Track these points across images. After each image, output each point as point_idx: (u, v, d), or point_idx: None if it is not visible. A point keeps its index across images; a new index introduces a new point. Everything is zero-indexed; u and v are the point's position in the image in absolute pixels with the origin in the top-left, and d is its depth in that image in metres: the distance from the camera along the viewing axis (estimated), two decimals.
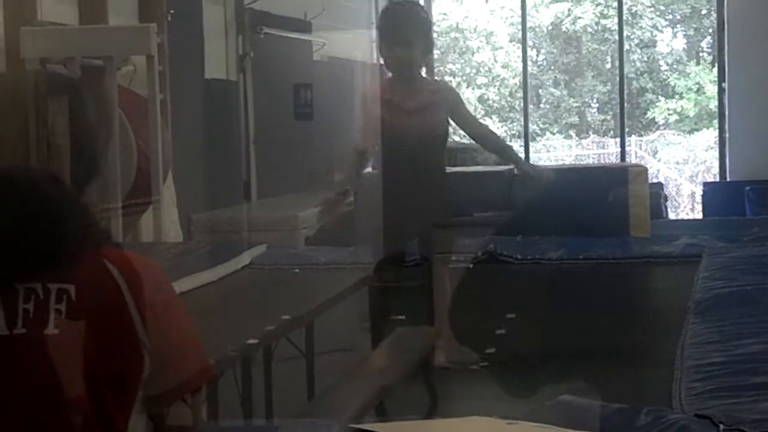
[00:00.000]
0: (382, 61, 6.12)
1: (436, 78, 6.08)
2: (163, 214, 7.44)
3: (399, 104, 5.88)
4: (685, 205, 21.26)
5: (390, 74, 6.07)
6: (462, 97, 6.15)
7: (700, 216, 15.35)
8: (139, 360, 1.81)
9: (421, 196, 5.97)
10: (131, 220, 7.26)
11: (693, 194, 20.89)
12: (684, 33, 24.16)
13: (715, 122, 16.51)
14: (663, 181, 17.44)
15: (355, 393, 4.73)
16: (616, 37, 16.37)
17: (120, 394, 1.79)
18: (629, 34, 21.26)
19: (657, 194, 11.71)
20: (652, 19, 23.23)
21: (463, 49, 23.41)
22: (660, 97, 23.34)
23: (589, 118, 23.89)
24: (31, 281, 1.74)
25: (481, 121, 6.29)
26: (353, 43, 14.32)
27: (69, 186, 1.85)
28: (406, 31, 5.82)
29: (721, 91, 14.93)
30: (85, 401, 1.75)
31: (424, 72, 6.27)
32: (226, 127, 10.62)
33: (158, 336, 1.83)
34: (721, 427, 3.74)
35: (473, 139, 6.22)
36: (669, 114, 22.97)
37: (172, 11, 8.88)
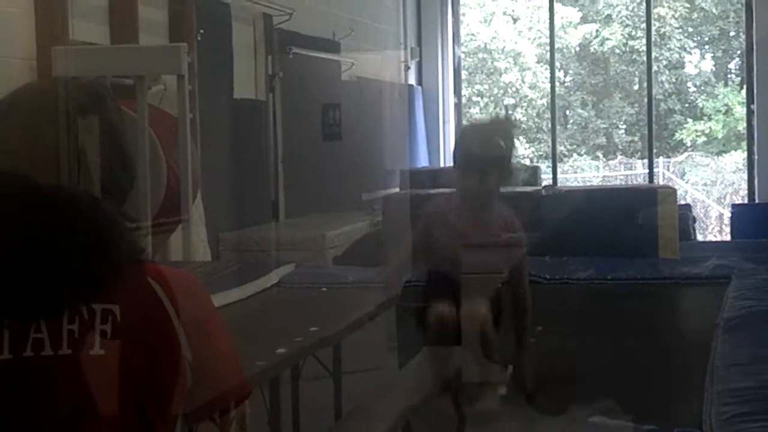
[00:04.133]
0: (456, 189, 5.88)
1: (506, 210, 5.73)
2: (191, 233, 7.46)
3: (467, 236, 5.58)
4: (713, 227, 21.17)
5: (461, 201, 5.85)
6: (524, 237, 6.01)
7: (728, 238, 15.28)
8: (183, 376, 1.80)
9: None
10: (160, 239, 7.28)
11: (721, 216, 20.80)
12: (712, 54, 24.11)
13: (744, 144, 16.46)
14: (691, 203, 17.37)
15: (383, 413, 4.73)
16: (644, 58, 16.35)
17: (165, 411, 1.79)
18: (657, 55, 21.24)
19: (685, 216, 11.65)
20: (680, 40, 23.19)
21: (491, 70, 23.42)
22: (688, 119, 23.28)
23: (616, 140, 23.85)
24: (75, 302, 1.73)
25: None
26: (381, 63, 14.36)
27: (107, 204, 1.83)
28: (480, 162, 5.52)
29: (749, 112, 14.89)
30: (129, 420, 1.75)
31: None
32: (255, 147, 10.65)
33: (199, 351, 1.82)
34: None
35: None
36: (697, 135, 22.91)
37: (201, 31, 8.94)
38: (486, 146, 5.72)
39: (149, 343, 1.78)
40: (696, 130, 22.87)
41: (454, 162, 5.77)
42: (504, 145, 5.87)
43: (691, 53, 23.75)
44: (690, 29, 23.47)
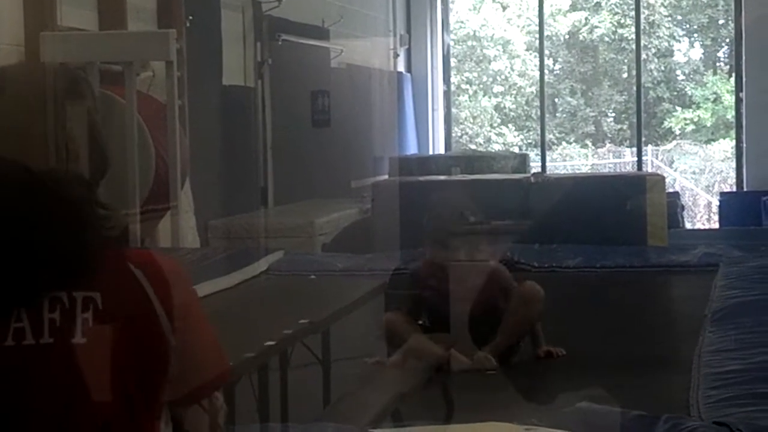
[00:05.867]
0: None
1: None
2: (180, 219, 7.45)
3: (446, 291, 5.89)
4: (702, 215, 21.19)
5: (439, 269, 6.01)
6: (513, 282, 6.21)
7: (716, 226, 15.32)
8: (166, 362, 1.79)
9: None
10: (149, 225, 7.28)
11: (709, 204, 20.83)
12: (701, 43, 24.11)
13: (732, 132, 16.48)
14: (679, 191, 17.40)
15: (372, 399, 4.73)
16: (633, 46, 16.36)
17: (149, 398, 1.78)
18: (646, 43, 21.22)
19: (674, 204, 11.67)
20: (669, 28, 23.18)
21: (480, 58, 23.39)
22: (677, 107, 23.28)
23: (605, 128, 23.84)
24: (55, 290, 1.72)
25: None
26: (371, 50, 14.34)
27: (88, 187, 1.81)
28: (452, 238, 5.99)
29: (738, 101, 14.92)
30: (115, 408, 1.74)
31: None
32: (244, 134, 10.64)
33: (182, 337, 1.81)
34: None
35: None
36: (686, 124, 22.91)
37: (190, 17, 8.91)
38: (453, 221, 6.02)
39: (132, 329, 1.75)
40: (685, 119, 22.88)
41: (426, 235, 6.10)
42: (472, 216, 6.18)
43: (680, 41, 23.74)
44: (679, 17, 23.46)
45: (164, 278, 1.81)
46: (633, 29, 16.44)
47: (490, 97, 23.39)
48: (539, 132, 16.63)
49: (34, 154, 1.68)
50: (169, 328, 1.79)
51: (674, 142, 23.11)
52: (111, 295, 1.74)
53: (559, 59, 23.88)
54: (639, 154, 15.87)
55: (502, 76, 23.50)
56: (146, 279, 1.78)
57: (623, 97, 23.16)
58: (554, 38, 22.77)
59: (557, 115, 23.55)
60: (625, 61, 22.97)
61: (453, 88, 18.26)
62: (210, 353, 1.90)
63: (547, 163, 16.65)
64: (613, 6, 22.94)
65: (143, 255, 1.84)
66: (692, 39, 24.08)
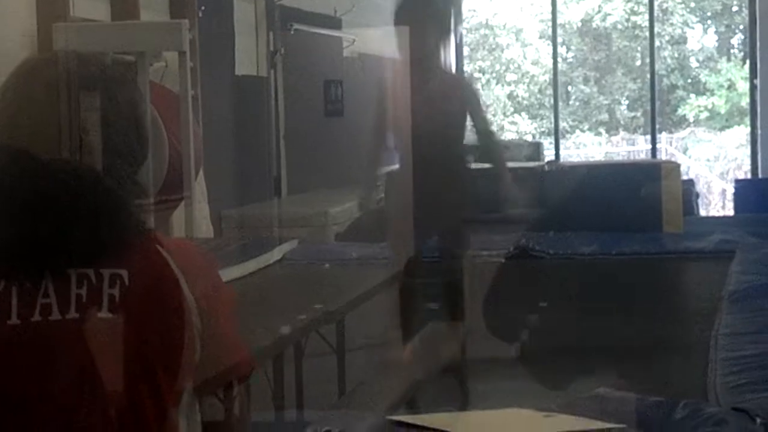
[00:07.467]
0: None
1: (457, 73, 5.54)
2: (194, 210, 7.44)
3: (411, 91, 5.55)
4: (716, 202, 21.15)
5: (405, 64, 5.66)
6: (480, 95, 5.80)
7: (731, 213, 15.26)
8: (192, 344, 1.80)
9: (442, 190, 5.67)
10: (163, 215, 7.27)
11: (724, 192, 20.78)
12: (715, 29, 24.04)
13: (747, 119, 16.42)
14: (694, 179, 17.35)
15: (388, 387, 4.73)
16: (647, 33, 16.30)
17: (174, 378, 1.79)
18: (660, 30, 21.16)
19: (688, 191, 11.64)
20: (682, 15, 23.12)
21: (493, 46, 23.37)
22: (691, 94, 23.23)
23: (618, 116, 23.80)
24: (83, 267, 1.74)
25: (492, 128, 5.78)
26: (383, 39, 14.31)
27: (122, 171, 1.84)
28: (417, 11, 5.55)
29: (752, 87, 14.84)
30: (140, 386, 1.75)
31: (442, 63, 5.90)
32: (257, 123, 10.64)
33: (208, 321, 1.81)
34: (758, 420, 3.72)
35: (478, 136, 5.81)
36: (700, 111, 22.86)
37: (203, 7, 8.91)
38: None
39: (158, 308, 1.77)
40: (699, 106, 22.83)
41: (395, 22, 5.72)
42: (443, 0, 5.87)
43: (693, 28, 23.68)
44: (693, 4, 23.40)
45: (192, 261, 1.83)
46: (646, 16, 16.37)
47: (503, 86, 23.37)
48: (553, 120, 16.59)
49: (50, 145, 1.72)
50: (196, 311, 1.80)
51: (688, 130, 23.06)
52: (138, 273, 1.76)
53: (572, 47, 23.84)
54: (653, 142, 15.82)
55: (515, 65, 23.47)
56: (174, 261, 1.80)
57: (637, 84, 23.11)
58: (567, 26, 22.73)
59: (570, 103, 23.52)
60: (639, 48, 22.92)
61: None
62: (233, 342, 1.90)
63: (561, 152, 16.62)
64: None
65: (173, 240, 1.86)
66: (706, 26, 24.02)
